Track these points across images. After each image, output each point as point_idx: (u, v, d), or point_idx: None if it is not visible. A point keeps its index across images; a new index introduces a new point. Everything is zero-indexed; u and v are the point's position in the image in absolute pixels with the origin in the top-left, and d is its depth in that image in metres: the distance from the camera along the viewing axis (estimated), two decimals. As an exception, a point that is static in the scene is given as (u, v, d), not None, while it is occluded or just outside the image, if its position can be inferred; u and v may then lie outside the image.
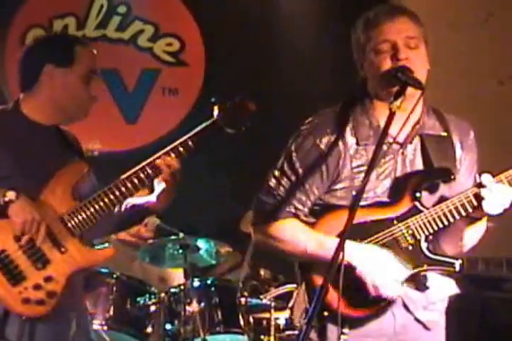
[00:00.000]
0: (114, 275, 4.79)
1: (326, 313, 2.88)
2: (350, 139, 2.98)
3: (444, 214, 2.93)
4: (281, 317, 4.89)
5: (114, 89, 6.51)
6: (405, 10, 3.00)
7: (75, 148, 3.50)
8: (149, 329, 4.71)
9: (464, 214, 2.93)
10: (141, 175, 3.29)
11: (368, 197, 2.91)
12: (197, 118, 6.62)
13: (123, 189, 3.27)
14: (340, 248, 2.57)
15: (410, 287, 2.96)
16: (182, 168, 3.34)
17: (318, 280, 2.95)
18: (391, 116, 2.73)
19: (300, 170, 3.00)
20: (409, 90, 2.82)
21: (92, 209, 3.25)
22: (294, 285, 4.81)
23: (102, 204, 3.25)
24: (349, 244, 2.66)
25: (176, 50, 6.63)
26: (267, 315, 4.89)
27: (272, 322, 4.85)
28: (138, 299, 4.77)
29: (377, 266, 2.88)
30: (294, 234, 3.00)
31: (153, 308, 4.74)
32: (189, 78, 6.59)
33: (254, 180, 3.12)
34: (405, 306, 2.99)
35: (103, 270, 4.83)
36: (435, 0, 5.60)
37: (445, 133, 3.04)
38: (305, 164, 3.00)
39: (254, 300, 4.94)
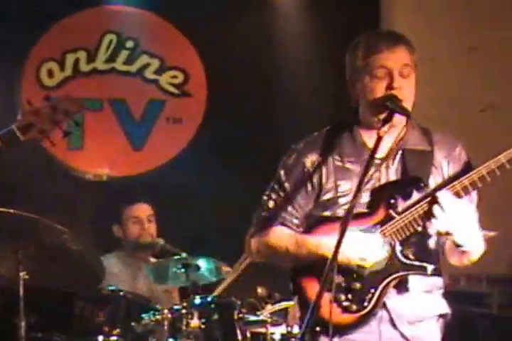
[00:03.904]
0: (121, 293, 4.92)
1: (317, 328, 3.00)
2: (334, 157, 3.16)
3: (414, 220, 3.02)
4: (277, 331, 5.02)
5: (122, 117, 6.77)
6: (404, 37, 3.14)
7: None
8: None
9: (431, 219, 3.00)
10: None
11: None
12: (198, 145, 6.93)
13: None
14: (333, 260, 2.74)
15: (392, 289, 3.07)
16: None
17: (308, 288, 3.10)
18: (379, 140, 2.92)
19: (286, 184, 3.22)
20: (398, 117, 3.00)
21: None
22: (289, 302, 5.04)
23: None
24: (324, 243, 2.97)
25: (180, 82, 6.87)
26: (263, 330, 5.02)
27: (268, 337, 4.97)
28: (143, 316, 4.87)
29: (351, 244, 2.96)
30: (278, 237, 3.19)
31: (156, 324, 4.83)
32: (192, 108, 6.84)
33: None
34: (392, 322, 3.09)
35: (110, 287, 4.97)
36: (419, 33, 5.77)
37: (429, 148, 3.13)
38: (291, 179, 3.22)
39: (252, 316, 5.06)
